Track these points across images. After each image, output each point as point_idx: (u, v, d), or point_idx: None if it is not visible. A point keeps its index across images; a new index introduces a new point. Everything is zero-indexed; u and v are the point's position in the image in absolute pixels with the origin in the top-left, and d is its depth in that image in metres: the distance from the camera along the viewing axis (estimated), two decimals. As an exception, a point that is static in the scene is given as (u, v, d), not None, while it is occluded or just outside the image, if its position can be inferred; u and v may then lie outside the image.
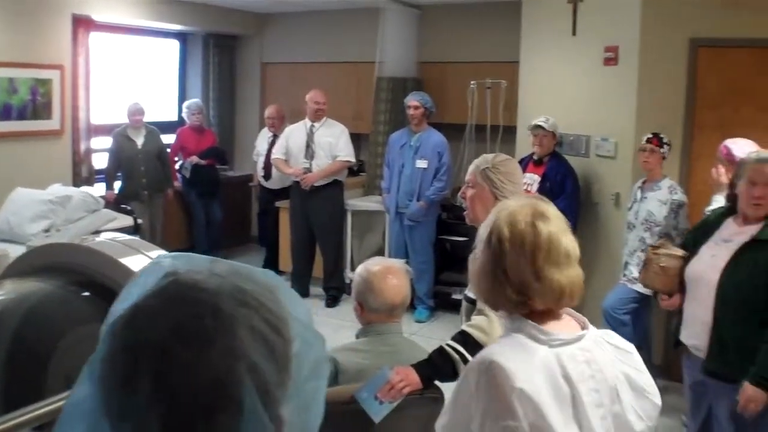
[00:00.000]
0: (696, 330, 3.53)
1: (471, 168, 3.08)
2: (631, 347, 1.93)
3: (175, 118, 9.21)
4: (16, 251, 2.57)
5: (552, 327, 1.83)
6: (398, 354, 2.89)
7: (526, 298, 1.80)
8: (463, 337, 2.77)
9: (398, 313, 3.00)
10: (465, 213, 3.09)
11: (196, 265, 0.89)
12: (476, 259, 1.89)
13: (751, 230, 3.36)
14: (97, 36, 7.85)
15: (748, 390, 3.23)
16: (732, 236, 3.43)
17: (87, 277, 1.71)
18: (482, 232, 1.89)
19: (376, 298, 2.92)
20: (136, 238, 2.06)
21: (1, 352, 1.71)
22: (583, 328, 1.87)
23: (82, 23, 7.41)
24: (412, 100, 6.96)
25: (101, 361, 0.83)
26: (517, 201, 1.92)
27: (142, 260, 1.78)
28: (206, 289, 0.85)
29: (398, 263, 3.15)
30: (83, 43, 7.45)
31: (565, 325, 1.86)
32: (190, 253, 0.95)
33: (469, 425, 1.74)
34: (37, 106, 7.06)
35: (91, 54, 7.59)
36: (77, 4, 7.32)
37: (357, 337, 3.04)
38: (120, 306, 0.86)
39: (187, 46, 9.59)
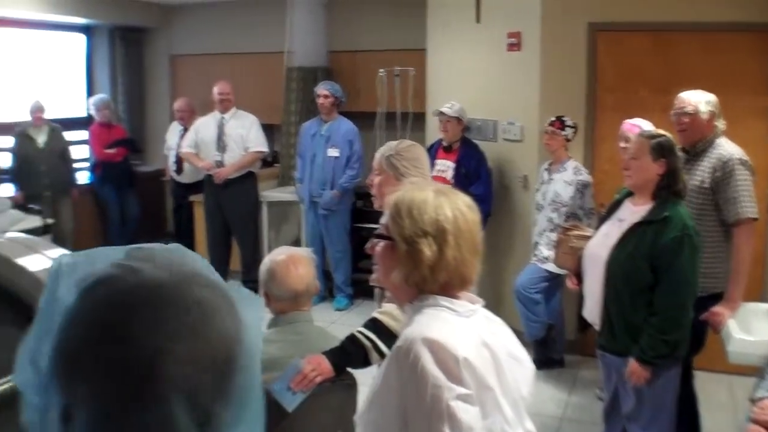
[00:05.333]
0: (591, 306, 3.68)
1: (377, 155, 3.15)
2: (499, 319, 1.99)
3: (83, 114, 9.01)
4: None
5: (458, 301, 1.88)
6: (308, 342, 2.90)
7: (440, 276, 1.83)
8: (374, 324, 2.82)
9: (304, 301, 3.02)
10: (373, 199, 3.15)
11: (136, 260, 0.91)
12: (389, 243, 1.89)
13: (643, 211, 3.49)
14: (-1, 31, 7.61)
15: (633, 365, 3.41)
16: (626, 216, 3.56)
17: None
18: (395, 216, 1.89)
19: (279, 286, 2.95)
20: (37, 238, 2.05)
21: None
22: (472, 302, 1.92)
23: (-20, 19, 7.18)
24: (322, 89, 6.97)
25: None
26: (428, 186, 1.95)
27: (41, 260, 1.78)
28: (174, 283, 0.89)
29: (302, 251, 3.17)
30: (-18, 39, 7.21)
31: (463, 298, 1.90)
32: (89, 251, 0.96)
33: (401, 413, 1.74)
34: (-63, 106, 6.83)
35: (-8, 50, 7.36)
36: (-26, 0, 7.10)
37: (268, 327, 3.03)
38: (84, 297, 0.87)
39: (93, 39, 9.37)
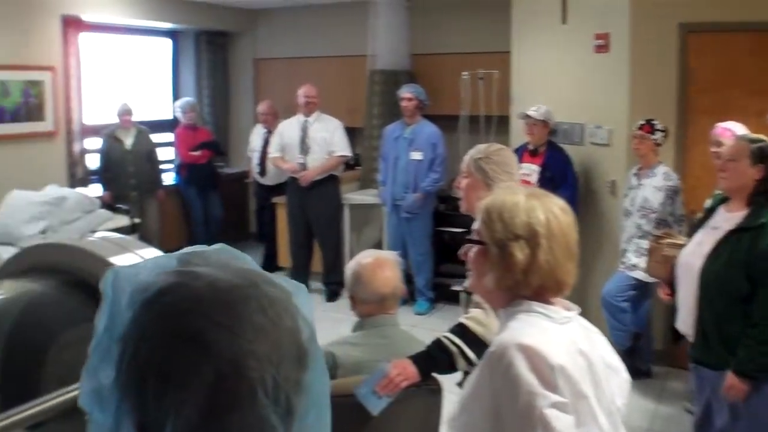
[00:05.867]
0: (684, 317, 3.56)
1: (465, 158, 3.10)
2: (595, 328, 1.94)
3: (169, 116, 9.20)
4: (11, 254, 2.56)
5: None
6: (394, 346, 2.89)
7: (533, 281, 1.80)
8: (461, 330, 2.78)
9: (390, 305, 3.00)
10: (460, 202, 3.10)
11: (190, 264, 0.91)
12: (482, 247, 1.87)
13: (738, 218, 3.36)
14: (88, 36, 7.83)
15: (731, 379, 3.27)
16: (720, 223, 3.43)
17: (78, 277, 1.70)
18: (486, 220, 1.87)
19: (365, 288, 2.94)
20: (129, 237, 2.05)
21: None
22: (567, 309, 1.88)
23: (71, 24, 7.40)
24: (406, 92, 6.95)
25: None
26: (520, 190, 1.92)
27: (134, 259, 1.78)
28: (241, 284, 0.87)
29: (388, 254, 3.16)
30: (73, 43, 7.43)
31: (558, 304, 1.87)
32: (146, 261, 0.95)
33: (492, 419, 1.72)
34: (30, 108, 7.05)
35: (81, 54, 7.58)
36: (66, 5, 7.31)
37: (353, 330, 3.05)
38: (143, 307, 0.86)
39: (179, 44, 9.58)
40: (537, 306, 1.81)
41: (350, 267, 3.04)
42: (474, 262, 1.91)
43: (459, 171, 3.17)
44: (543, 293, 1.83)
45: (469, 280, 1.97)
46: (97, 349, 0.88)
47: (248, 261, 0.96)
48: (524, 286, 1.81)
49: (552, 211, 1.83)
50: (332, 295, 7.37)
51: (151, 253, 1.90)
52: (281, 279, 0.93)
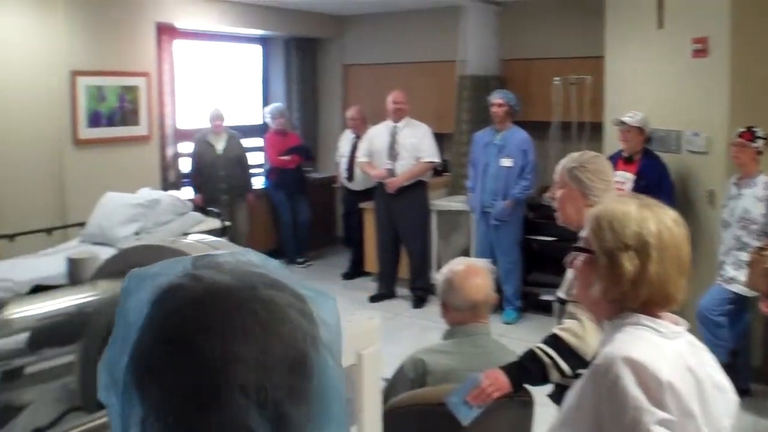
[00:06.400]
0: None
1: (558, 168, 3.01)
2: (703, 345, 1.87)
3: (259, 121, 9.33)
4: (107, 254, 2.61)
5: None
6: (487, 356, 2.87)
7: (642, 293, 1.75)
8: (555, 341, 2.72)
9: (482, 313, 2.98)
10: (555, 214, 3.02)
11: (200, 267, 0.92)
12: (589, 256, 1.83)
13: None
14: (181, 43, 8.01)
15: None
16: None
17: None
18: (595, 229, 1.82)
19: (458, 295, 2.92)
20: (223, 240, 2.06)
21: (94, 352, 1.73)
22: (676, 323, 1.81)
23: (166, 31, 7.59)
24: (496, 98, 6.87)
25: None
26: (632, 200, 1.86)
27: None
28: (240, 287, 0.88)
29: (481, 262, 3.15)
30: (167, 50, 7.63)
31: (666, 319, 1.81)
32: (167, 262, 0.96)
33: None
34: (125, 113, 7.24)
35: (175, 61, 7.76)
36: (161, 13, 7.49)
37: (444, 338, 3.04)
38: (152, 313, 0.88)
39: (269, 50, 9.71)
40: (645, 319, 1.76)
41: (442, 274, 3.02)
42: (580, 271, 1.86)
43: (549, 179, 3.10)
44: (650, 307, 1.78)
45: (574, 289, 1.91)
46: (112, 346, 0.91)
47: (269, 267, 0.95)
48: (632, 299, 1.76)
49: (664, 223, 1.79)
50: (419, 302, 7.34)
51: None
52: (300, 284, 0.94)
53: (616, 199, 1.88)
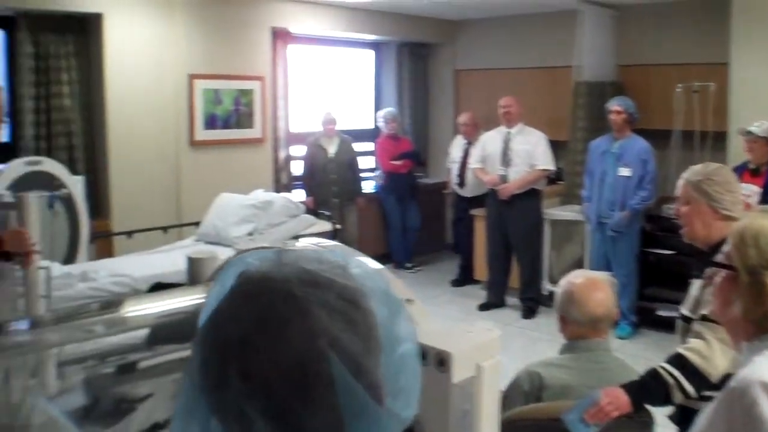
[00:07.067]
0: None
1: (680, 183, 2.88)
2: None
3: (371, 126, 9.37)
4: (223, 254, 2.63)
5: None
6: (606, 372, 2.77)
7: None
8: (679, 360, 2.60)
9: (603, 328, 2.88)
10: (682, 231, 2.88)
11: (264, 258, 0.93)
12: (731, 273, 1.72)
13: None
14: (295, 47, 8.11)
15: None
16: None
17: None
18: (738, 244, 1.72)
19: (578, 309, 2.82)
20: (338, 243, 2.04)
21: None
22: None
23: (280, 36, 7.69)
24: (614, 105, 6.67)
25: (195, 369, 0.88)
26: None
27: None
28: (275, 278, 0.88)
29: (602, 275, 3.05)
30: (282, 54, 7.73)
31: None
32: (260, 249, 1.00)
33: None
34: (240, 116, 7.40)
35: (289, 65, 7.86)
36: (276, 18, 7.61)
37: (561, 352, 2.95)
38: (203, 315, 0.91)
39: (382, 55, 9.73)
40: None
41: (561, 286, 2.93)
42: (720, 289, 1.76)
43: (669, 189, 2.97)
44: None
45: (712, 306, 1.80)
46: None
47: (348, 255, 0.96)
48: None
49: None
50: (529, 312, 7.21)
51: (365, 261, 1.87)
52: (386, 297, 0.94)
53: (763, 214, 1.77)
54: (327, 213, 6.96)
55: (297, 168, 8.08)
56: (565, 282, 2.93)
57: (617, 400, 2.51)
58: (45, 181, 5.61)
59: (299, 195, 7.74)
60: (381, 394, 0.88)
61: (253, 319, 0.86)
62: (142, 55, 6.57)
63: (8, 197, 4.16)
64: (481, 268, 7.88)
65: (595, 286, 2.86)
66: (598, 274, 3.02)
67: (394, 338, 0.93)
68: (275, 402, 0.83)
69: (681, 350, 2.63)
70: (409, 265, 8.68)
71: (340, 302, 0.88)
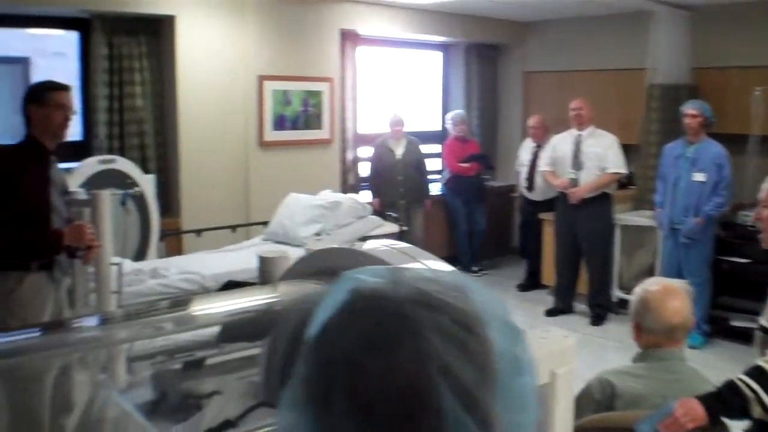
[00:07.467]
0: None
1: (765, 186, 2.79)
2: None
3: (438, 128, 9.34)
4: (293, 253, 2.63)
5: None
6: (681, 383, 2.69)
7: None
8: (759, 373, 2.51)
9: (678, 337, 2.80)
10: (760, 236, 2.79)
11: (378, 275, 0.89)
12: None
13: None
14: (363, 49, 8.14)
15: None
16: None
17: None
18: None
19: (653, 317, 2.75)
20: (412, 246, 2.03)
21: (281, 351, 1.72)
22: None
23: (349, 37, 7.73)
24: (690, 108, 6.51)
25: (299, 385, 0.83)
26: None
27: (419, 268, 1.74)
28: (388, 297, 0.84)
29: (678, 283, 2.96)
30: (350, 56, 7.78)
31: None
32: (374, 266, 0.93)
33: None
34: (309, 117, 7.45)
35: (357, 66, 7.89)
36: (345, 20, 7.65)
37: (634, 361, 2.88)
38: (312, 329, 0.86)
39: (450, 56, 9.69)
40: None
41: (637, 293, 2.86)
42: None
43: (745, 196, 2.89)
44: None
45: None
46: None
47: (465, 290, 0.88)
48: None
49: None
50: (597, 319, 7.09)
51: (435, 263, 1.85)
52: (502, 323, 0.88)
53: None
54: (394, 214, 6.96)
55: (364, 169, 8.11)
56: (640, 289, 2.87)
57: (692, 412, 2.44)
58: (117, 180, 5.73)
59: (366, 196, 7.75)
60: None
61: (362, 337, 0.82)
62: (213, 57, 6.65)
63: (82, 194, 4.25)
64: (548, 272, 7.78)
65: (672, 294, 2.78)
66: (674, 282, 2.94)
67: (513, 370, 0.86)
68: (377, 427, 0.79)
69: (761, 362, 2.54)
70: (475, 268, 8.62)
71: (455, 327, 0.83)
